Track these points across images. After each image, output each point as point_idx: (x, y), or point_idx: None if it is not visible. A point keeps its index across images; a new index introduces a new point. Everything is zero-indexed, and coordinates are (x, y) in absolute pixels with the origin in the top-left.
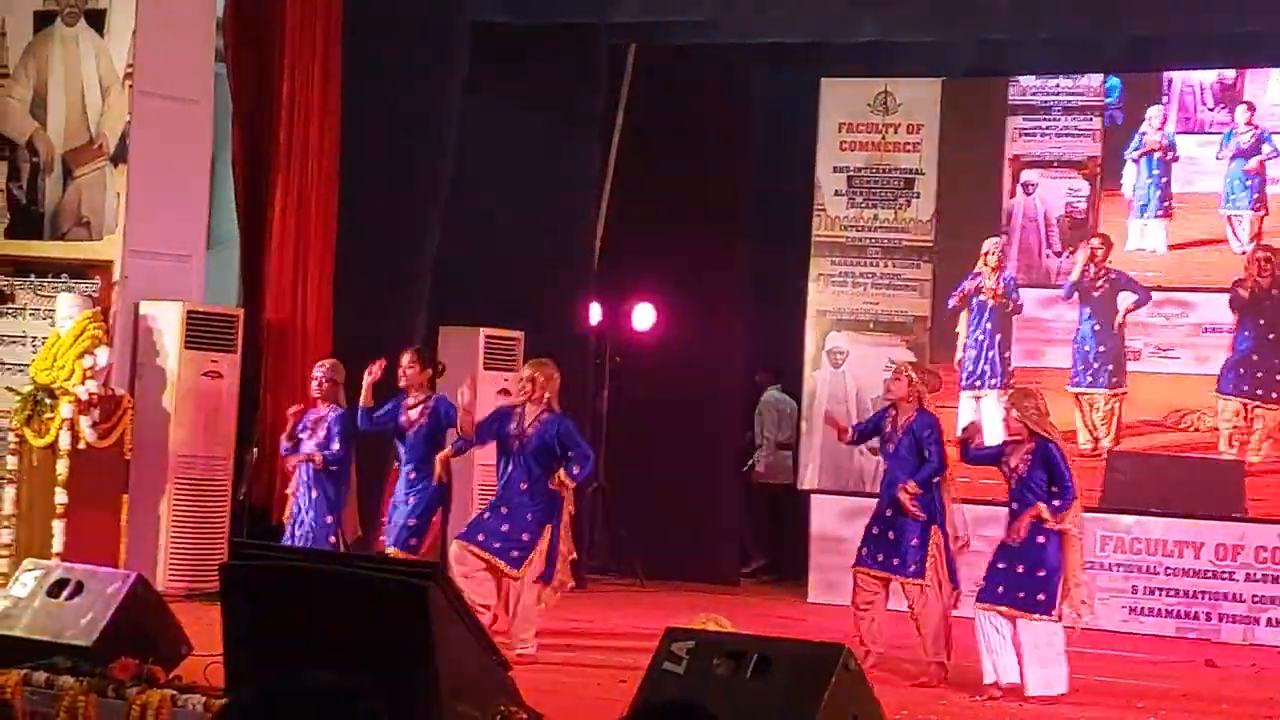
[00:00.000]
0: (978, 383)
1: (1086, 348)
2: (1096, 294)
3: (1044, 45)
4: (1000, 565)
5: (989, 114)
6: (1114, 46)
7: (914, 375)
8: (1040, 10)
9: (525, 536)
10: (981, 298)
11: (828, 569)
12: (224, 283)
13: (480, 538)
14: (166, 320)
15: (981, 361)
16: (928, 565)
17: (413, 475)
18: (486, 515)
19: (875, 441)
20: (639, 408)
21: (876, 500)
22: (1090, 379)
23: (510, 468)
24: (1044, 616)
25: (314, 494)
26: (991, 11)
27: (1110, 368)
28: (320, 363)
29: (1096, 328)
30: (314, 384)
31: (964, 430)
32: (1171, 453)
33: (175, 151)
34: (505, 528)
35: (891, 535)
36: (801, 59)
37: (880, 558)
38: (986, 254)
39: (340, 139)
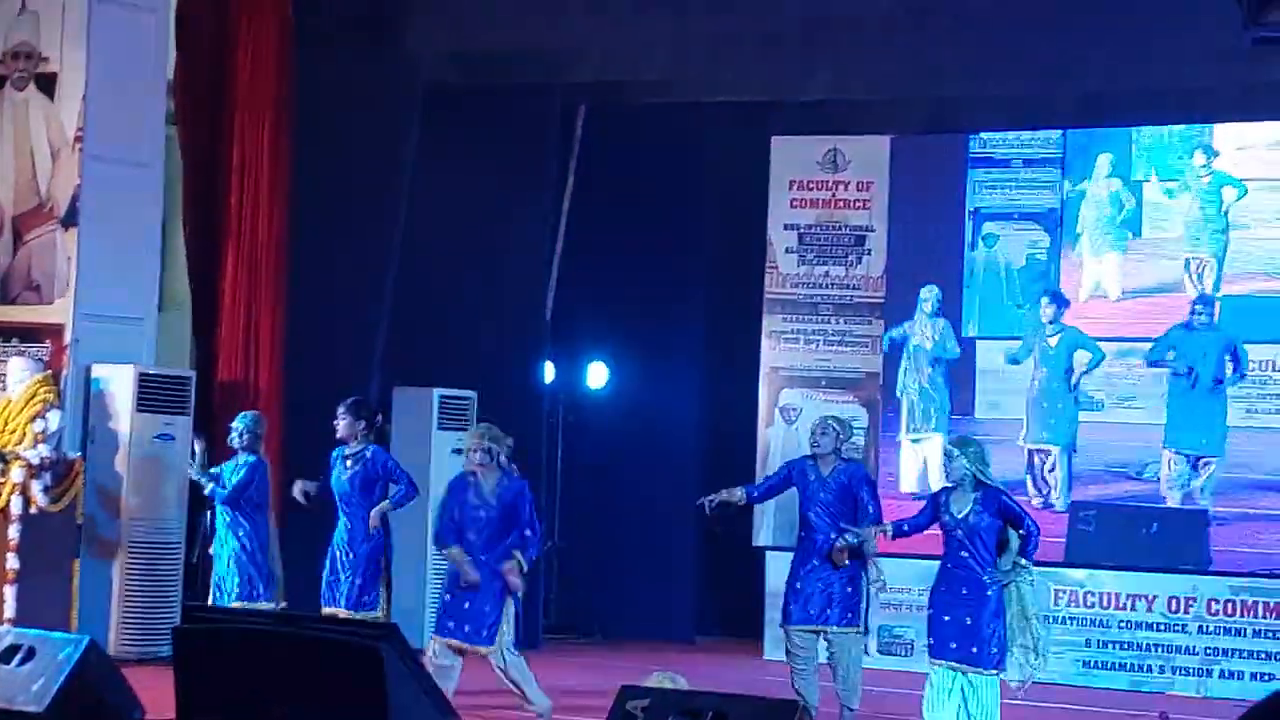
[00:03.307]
0: (922, 427)
1: (1043, 403)
2: (1051, 350)
3: (997, 102)
4: (946, 619)
5: (942, 169)
6: (1068, 103)
7: (839, 428)
8: (991, 68)
9: (488, 609)
10: (916, 343)
11: None
12: (176, 345)
13: (450, 625)
14: (118, 383)
15: (925, 407)
16: (860, 614)
17: (350, 527)
18: (448, 598)
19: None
20: (593, 465)
21: (797, 553)
22: (1044, 434)
23: (470, 538)
24: (994, 671)
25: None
26: (942, 70)
27: (1064, 423)
28: (242, 414)
29: (1052, 383)
30: (235, 435)
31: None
32: (1135, 502)
33: (126, 214)
34: (468, 605)
35: (821, 586)
36: (751, 118)
37: (813, 611)
38: (924, 301)
39: (291, 200)
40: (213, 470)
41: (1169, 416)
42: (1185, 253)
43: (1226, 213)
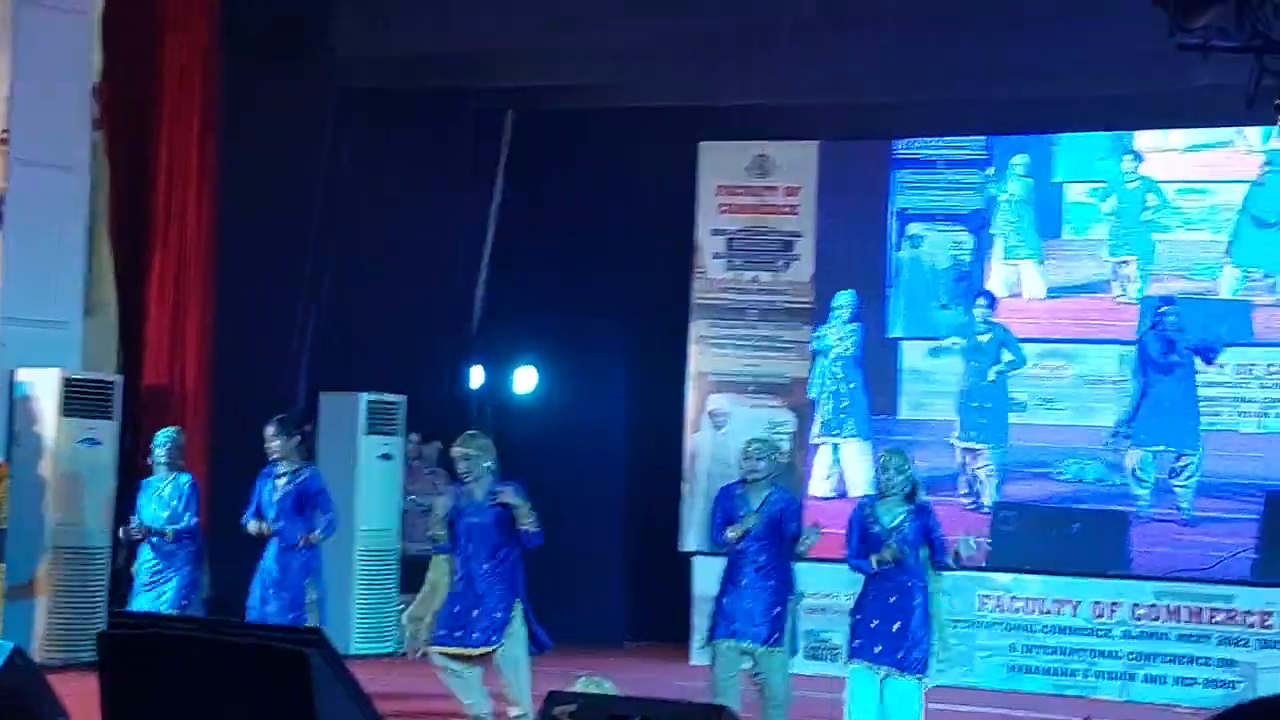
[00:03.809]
0: (836, 431)
1: (973, 402)
2: (980, 349)
3: (922, 108)
4: (874, 623)
5: (869, 173)
6: (992, 108)
7: (770, 451)
8: (917, 74)
9: (499, 614)
10: (836, 350)
11: None
12: (102, 350)
13: (458, 634)
14: (44, 387)
15: (840, 411)
16: (784, 634)
17: (281, 545)
18: (456, 609)
19: None
20: (520, 470)
21: (726, 571)
22: (973, 432)
23: (469, 549)
24: (917, 675)
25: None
26: (868, 76)
27: (993, 421)
28: (165, 430)
29: (981, 382)
30: (162, 450)
31: None
32: (1057, 503)
33: (52, 218)
34: (475, 613)
35: (748, 605)
36: (679, 123)
37: (738, 628)
38: (839, 308)
39: (218, 204)
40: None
41: (1139, 414)
42: (1109, 255)
43: (1150, 215)
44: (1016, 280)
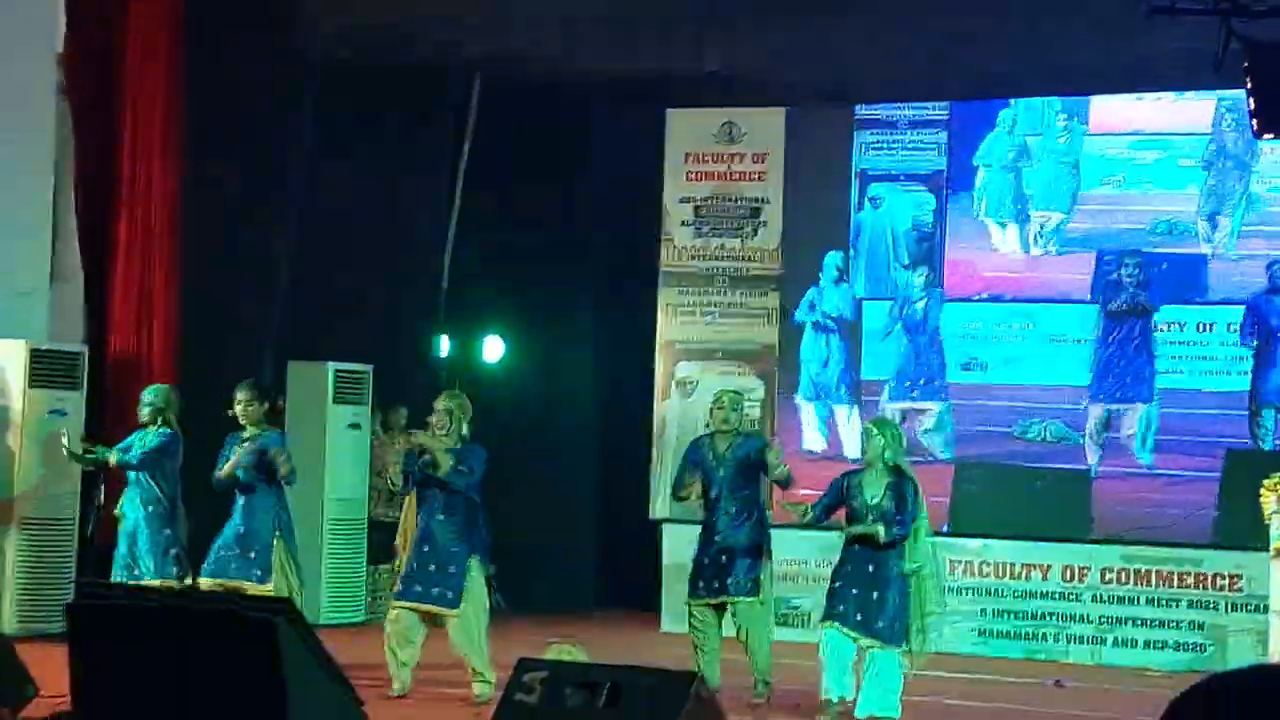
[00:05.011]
0: (826, 395)
1: (908, 364)
2: (918, 315)
3: (889, 74)
4: (854, 591)
5: (834, 139)
6: (959, 75)
7: (738, 402)
8: (881, 43)
9: (453, 569)
10: (826, 311)
11: (680, 598)
12: (69, 320)
13: (417, 589)
14: (10, 358)
15: (834, 376)
16: (761, 584)
17: (243, 502)
18: (415, 566)
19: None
20: (490, 439)
21: (703, 528)
22: (913, 393)
23: (430, 502)
24: (895, 647)
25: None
26: (833, 45)
27: (931, 381)
28: (152, 387)
29: (920, 341)
30: (145, 408)
31: None
32: (1018, 462)
33: (16, 186)
34: (433, 567)
35: (725, 559)
36: (646, 91)
37: (716, 585)
38: (829, 267)
39: (184, 173)
40: (122, 443)
41: (1096, 371)
42: (1067, 210)
43: (1105, 169)
44: (979, 240)
